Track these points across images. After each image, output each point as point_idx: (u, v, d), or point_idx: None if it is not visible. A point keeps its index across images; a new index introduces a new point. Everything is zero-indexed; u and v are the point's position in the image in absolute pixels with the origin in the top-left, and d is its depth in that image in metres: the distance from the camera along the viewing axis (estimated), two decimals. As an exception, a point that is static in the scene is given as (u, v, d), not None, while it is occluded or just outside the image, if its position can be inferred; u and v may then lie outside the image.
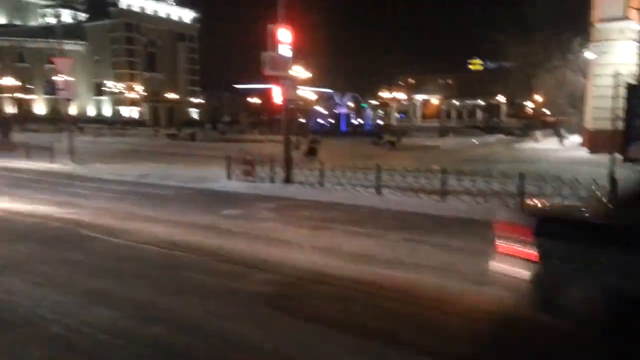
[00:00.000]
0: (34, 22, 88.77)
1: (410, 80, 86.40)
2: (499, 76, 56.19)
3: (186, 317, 4.59)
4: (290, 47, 12.77)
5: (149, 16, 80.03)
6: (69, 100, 20.75)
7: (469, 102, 79.63)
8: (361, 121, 67.35)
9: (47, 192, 12.81)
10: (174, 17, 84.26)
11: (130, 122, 69.88)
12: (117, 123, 66.85)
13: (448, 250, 7.16)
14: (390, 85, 62.46)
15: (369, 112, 67.16)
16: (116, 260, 6.51)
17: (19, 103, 66.26)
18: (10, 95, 65.11)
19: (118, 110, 76.55)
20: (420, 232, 8.33)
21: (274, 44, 12.51)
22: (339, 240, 7.71)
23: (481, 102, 79.92)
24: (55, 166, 18.97)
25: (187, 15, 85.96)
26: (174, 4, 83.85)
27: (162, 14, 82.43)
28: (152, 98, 78.75)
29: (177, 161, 22.10)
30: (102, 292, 5.29)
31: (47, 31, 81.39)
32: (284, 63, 12.76)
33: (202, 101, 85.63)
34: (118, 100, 75.91)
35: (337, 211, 10.45)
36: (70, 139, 20.59)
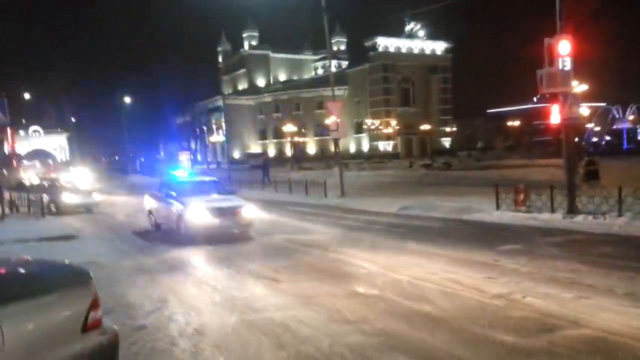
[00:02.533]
0: (307, 76, 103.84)
1: None
2: None
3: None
4: (570, 59, 11.11)
5: (403, 54, 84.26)
6: (337, 139, 22.84)
7: None
8: (650, 136, 56.06)
9: (325, 224, 13.90)
10: (427, 51, 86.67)
11: (386, 155, 73.98)
12: (375, 157, 71.54)
13: None
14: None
15: (661, 124, 55.38)
16: (401, 299, 6.28)
17: (295, 145, 77.54)
18: (289, 139, 77.01)
19: (375, 145, 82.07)
20: None
21: (552, 59, 11.08)
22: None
23: None
24: (328, 200, 20.85)
25: (439, 47, 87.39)
26: (426, 38, 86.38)
27: (416, 50, 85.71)
28: (406, 131, 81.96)
29: (435, 191, 21.80)
30: (393, 333, 5.05)
31: (316, 82, 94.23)
32: (564, 78, 11.15)
33: (454, 129, 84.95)
34: (375, 135, 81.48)
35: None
36: (340, 175, 22.48)
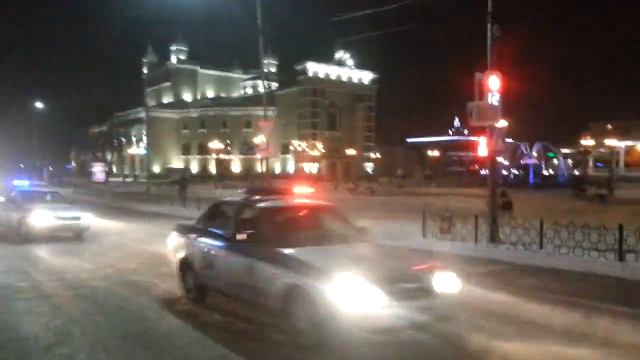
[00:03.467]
0: (235, 94, 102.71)
1: (609, 126, 76.81)
2: None
3: None
4: (499, 95, 11.60)
5: (332, 81, 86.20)
6: (267, 159, 22.42)
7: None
8: (552, 172, 60.99)
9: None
10: (354, 80, 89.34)
11: (310, 177, 74.40)
12: (300, 179, 71.69)
13: None
14: (587, 132, 55.89)
15: (562, 161, 60.45)
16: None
17: (220, 162, 75.75)
18: (214, 156, 75.08)
19: (300, 167, 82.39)
20: None
21: (482, 93, 11.49)
22: (603, 324, 5.99)
23: None
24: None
25: (366, 77, 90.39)
26: (354, 67, 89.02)
27: (344, 78, 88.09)
28: (331, 155, 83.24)
29: (361, 216, 21.85)
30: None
31: (245, 101, 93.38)
32: (494, 112, 11.60)
33: (378, 156, 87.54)
34: (301, 157, 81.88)
35: (574, 281, 8.61)
36: (267, 195, 21.94)
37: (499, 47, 12.25)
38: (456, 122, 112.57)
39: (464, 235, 12.99)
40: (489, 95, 11.59)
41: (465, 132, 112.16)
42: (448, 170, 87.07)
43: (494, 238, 12.31)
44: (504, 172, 59.89)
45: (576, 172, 60.52)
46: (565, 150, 69.65)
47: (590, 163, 72.71)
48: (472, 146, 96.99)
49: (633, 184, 46.88)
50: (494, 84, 11.56)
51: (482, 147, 12.25)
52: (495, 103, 11.67)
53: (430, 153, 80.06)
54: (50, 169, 77.62)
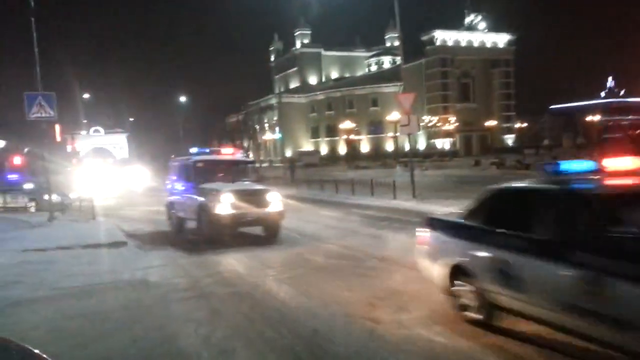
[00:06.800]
0: (360, 73, 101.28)
1: None
2: None
3: None
4: None
5: (463, 48, 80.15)
6: (408, 135, 20.44)
7: None
8: None
9: (406, 234, 11.60)
10: (488, 44, 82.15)
11: (444, 154, 70.33)
12: (433, 155, 67.94)
13: None
14: None
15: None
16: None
17: (350, 143, 75.06)
18: (344, 137, 74.71)
19: (432, 143, 78.39)
20: None
21: None
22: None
23: None
24: (398, 203, 18.47)
25: (501, 40, 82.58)
26: (488, 30, 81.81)
27: (476, 43, 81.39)
28: (465, 128, 77.88)
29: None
30: None
31: (369, 79, 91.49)
32: None
33: (522, 125, 79.77)
34: (432, 133, 77.82)
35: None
36: (411, 174, 20.06)
37: None
38: (609, 83, 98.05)
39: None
40: None
41: (622, 93, 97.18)
42: (604, 137, 76.22)
43: None
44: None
45: None
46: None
47: None
48: (633, 108, 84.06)
49: None
50: None
51: None
52: None
53: (588, 119, 70.51)
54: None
